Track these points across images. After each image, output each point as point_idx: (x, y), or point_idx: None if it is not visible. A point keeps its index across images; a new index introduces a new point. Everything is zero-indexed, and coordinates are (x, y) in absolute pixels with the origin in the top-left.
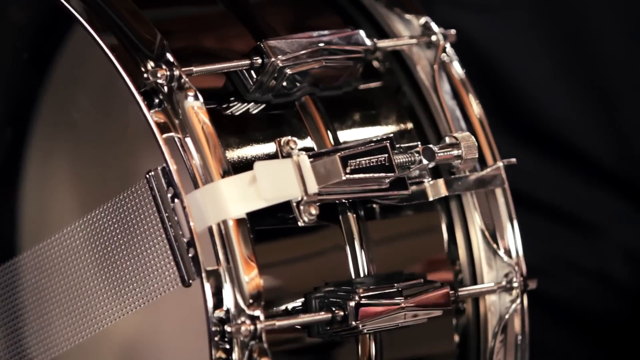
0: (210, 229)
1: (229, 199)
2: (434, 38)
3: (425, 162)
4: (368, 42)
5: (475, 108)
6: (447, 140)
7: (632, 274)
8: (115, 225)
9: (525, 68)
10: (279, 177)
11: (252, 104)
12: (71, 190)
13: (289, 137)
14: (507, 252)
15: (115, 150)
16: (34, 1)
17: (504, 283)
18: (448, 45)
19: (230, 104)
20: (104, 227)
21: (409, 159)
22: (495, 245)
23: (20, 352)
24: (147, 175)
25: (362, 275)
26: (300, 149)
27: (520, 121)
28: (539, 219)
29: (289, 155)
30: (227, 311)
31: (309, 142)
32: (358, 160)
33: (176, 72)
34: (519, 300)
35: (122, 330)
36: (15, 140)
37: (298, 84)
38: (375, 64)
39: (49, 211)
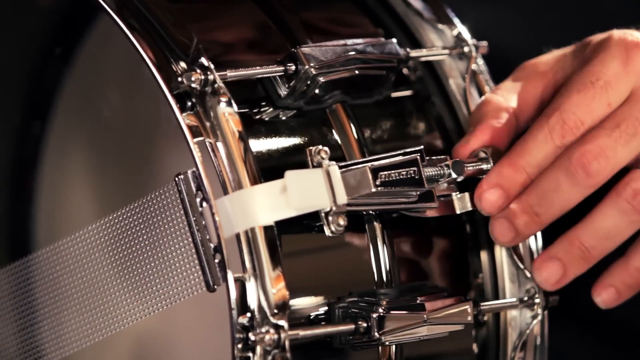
0: (237, 236)
1: (259, 207)
2: (466, 49)
3: (454, 175)
4: (401, 51)
5: None
6: (477, 154)
7: None
8: (141, 226)
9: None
10: (309, 186)
11: (284, 110)
12: (94, 188)
13: (320, 147)
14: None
15: (141, 150)
16: None
17: (526, 299)
18: (479, 57)
19: (262, 109)
20: (129, 227)
21: (438, 172)
22: (518, 261)
23: (34, 348)
24: (177, 178)
25: (385, 286)
26: (330, 158)
27: None
28: None
29: (319, 165)
30: (252, 318)
31: (339, 151)
32: (388, 172)
33: (211, 77)
34: (539, 317)
35: (137, 329)
36: (39, 135)
37: (330, 92)
38: (406, 71)
39: (71, 208)
